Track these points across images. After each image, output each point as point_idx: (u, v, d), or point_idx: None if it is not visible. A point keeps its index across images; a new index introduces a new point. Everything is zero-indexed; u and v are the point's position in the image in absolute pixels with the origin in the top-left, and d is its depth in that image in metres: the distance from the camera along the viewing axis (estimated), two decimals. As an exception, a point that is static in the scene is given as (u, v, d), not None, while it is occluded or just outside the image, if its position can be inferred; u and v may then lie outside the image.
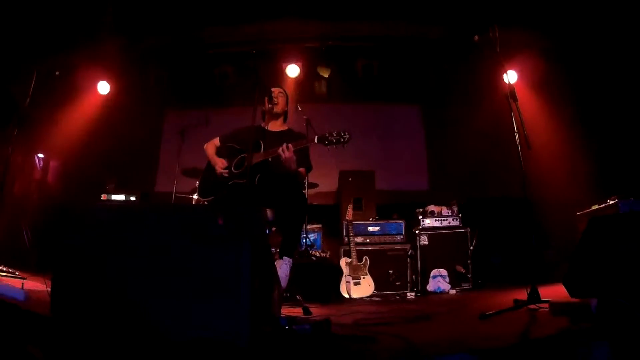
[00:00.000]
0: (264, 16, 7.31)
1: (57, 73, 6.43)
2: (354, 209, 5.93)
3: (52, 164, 7.40)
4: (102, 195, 6.37)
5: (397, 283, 5.68)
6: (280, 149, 3.79)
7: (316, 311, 3.83)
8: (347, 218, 5.73)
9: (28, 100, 5.10)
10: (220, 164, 4.15)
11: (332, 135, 3.76)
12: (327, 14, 7.19)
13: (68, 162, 7.60)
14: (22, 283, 3.31)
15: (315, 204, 7.05)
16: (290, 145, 3.79)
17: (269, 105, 4.32)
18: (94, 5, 6.48)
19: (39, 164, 7.08)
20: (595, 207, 5.27)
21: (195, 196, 6.06)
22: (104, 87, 7.75)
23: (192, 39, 7.70)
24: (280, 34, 7.62)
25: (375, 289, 5.38)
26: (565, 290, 2.86)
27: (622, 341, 1.92)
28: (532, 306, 3.03)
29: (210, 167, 4.31)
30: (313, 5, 6.93)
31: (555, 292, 3.22)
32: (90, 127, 7.64)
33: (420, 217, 5.94)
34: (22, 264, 4.84)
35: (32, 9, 6.18)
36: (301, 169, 4.10)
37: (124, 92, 7.98)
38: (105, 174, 6.87)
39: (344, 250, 5.70)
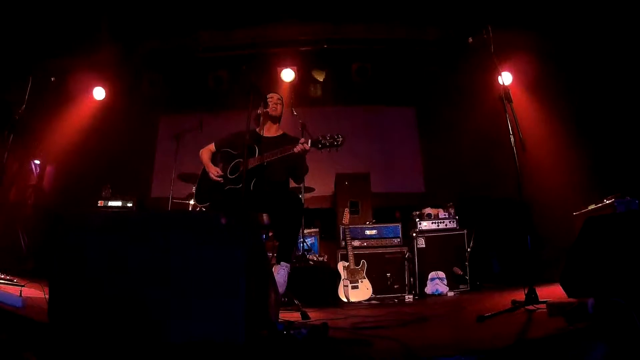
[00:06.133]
0: (259, 20, 7.34)
1: (52, 79, 6.41)
2: (351, 212, 5.91)
3: (48, 169, 7.40)
4: (98, 202, 6.36)
5: (395, 286, 5.66)
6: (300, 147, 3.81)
7: (314, 315, 3.81)
8: (343, 222, 5.72)
9: (24, 106, 5.09)
10: (214, 171, 4.14)
11: (326, 139, 3.75)
12: (321, 16, 7.21)
13: (64, 168, 7.60)
14: (20, 290, 3.29)
15: (311, 208, 7.03)
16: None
17: (265, 110, 4.32)
18: (89, 11, 6.49)
19: (35, 170, 7.06)
20: (592, 206, 5.26)
21: (191, 202, 6.04)
22: (99, 93, 7.80)
23: (187, 44, 7.72)
24: (275, 38, 7.64)
25: (374, 292, 5.37)
26: (563, 290, 2.86)
27: (618, 340, 1.92)
28: (530, 307, 3.02)
29: (206, 172, 4.30)
30: (307, 8, 6.94)
31: (553, 292, 3.22)
32: (86, 133, 7.67)
33: (417, 219, 5.93)
34: (19, 269, 4.82)
35: (28, 15, 6.18)
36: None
37: (119, 98, 8.01)
38: (100, 179, 6.85)
39: (341, 254, 5.68)
